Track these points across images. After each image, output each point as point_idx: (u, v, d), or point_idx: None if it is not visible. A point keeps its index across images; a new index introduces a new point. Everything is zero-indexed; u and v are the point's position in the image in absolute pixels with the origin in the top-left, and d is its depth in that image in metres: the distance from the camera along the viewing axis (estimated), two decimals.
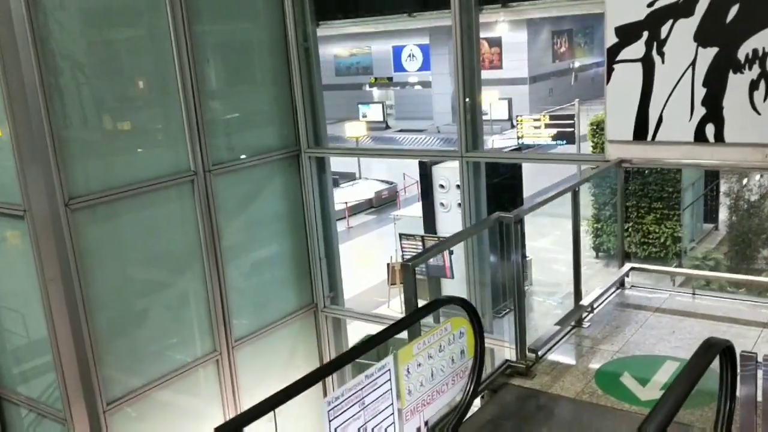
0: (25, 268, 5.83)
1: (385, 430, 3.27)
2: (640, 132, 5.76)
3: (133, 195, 6.21)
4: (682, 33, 5.42)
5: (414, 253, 10.50)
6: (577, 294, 5.48)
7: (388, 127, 35.96)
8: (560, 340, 5.16)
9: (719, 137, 5.44)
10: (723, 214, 16.85)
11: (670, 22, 5.45)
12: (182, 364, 6.75)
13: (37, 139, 5.46)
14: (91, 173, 5.92)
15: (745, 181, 15.67)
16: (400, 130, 35.18)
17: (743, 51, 5.21)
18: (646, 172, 15.12)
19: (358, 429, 3.10)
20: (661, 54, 5.55)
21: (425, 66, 36.46)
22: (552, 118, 21.58)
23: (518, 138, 21.56)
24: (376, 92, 39.44)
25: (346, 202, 21.68)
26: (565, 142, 20.20)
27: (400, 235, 11.84)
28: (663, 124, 5.65)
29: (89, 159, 5.93)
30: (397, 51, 37.84)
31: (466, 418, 4.00)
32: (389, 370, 3.27)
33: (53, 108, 5.54)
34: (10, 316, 6.55)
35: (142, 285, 6.57)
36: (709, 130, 5.47)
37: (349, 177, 25.14)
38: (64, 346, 5.79)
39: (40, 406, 6.36)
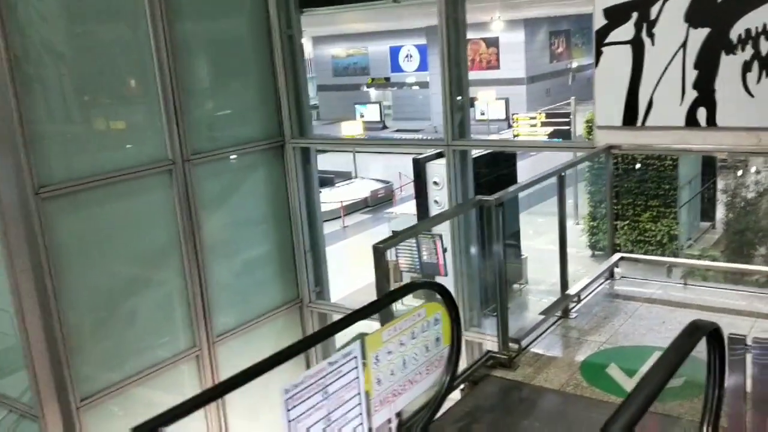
0: None
1: (352, 420, 3.08)
2: (630, 117, 5.57)
3: (108, 184, 6.04)
4: (672, 13, 5.24)
5: (407, 251, 10.32)
6: (564, 283, 5.29)
7: (385, 127, 35.75)
8: (545, 331, 4.96)
9: (711, 121, 5.25)
10: (720, 212, 16.64)
11: (661, 2, 5.27)
12: (161, 360, 6.57)
13: (5, 126, 5.28)
14: (63, 162, 5.75)
15: (742, 175, 15.47)
16: (397, 130, 34.97)
17: (736, 31, 5.03)
18: (643, 169, 14.93)
19: (321, 419, 2.91)
20: (651, 35, 5.36)
21: (423, 66, 36.25)
22: (548, 116, 21.42)
23: (514, 136, 21.40)
24: (373, 93, 39.26)
25: (341, 201, 21.49)
26: (560, 139, 20.01)
27: (394, 232, 11.65)
28: (653, 108, 5.46)
29: (61, 147, 5.77)
30: (395, 51, 37.66)
31: (443, 410, 3.81)
32: (355, 357, 3.07)
33: (23, 96, 5.36)
34: None
35: (118, 278, 6.36)
36: (701, 114, 5.29)
37: (345, 176, 24.99)
38: (35, 341, 5.61)
39: (16, 404, 6.16)
